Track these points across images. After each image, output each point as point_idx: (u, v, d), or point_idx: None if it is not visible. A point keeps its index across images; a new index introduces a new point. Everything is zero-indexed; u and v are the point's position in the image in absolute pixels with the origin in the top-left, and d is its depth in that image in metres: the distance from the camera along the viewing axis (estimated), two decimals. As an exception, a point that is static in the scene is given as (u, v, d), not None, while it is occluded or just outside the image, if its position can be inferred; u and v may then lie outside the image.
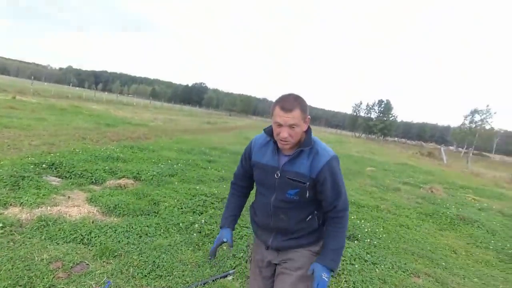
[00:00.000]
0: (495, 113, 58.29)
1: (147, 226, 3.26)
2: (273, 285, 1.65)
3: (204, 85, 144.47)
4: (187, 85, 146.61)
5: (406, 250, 3.94)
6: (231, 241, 1.62)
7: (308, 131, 1.45)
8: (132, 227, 3.17)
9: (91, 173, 4.79)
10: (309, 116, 1.41)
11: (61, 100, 21.51)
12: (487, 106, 59.08)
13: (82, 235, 2.87)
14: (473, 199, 8.27)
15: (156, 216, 3.65)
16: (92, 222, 3.15)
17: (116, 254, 2.68)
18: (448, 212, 5.87)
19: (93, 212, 3.42)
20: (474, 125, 59.75)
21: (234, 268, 2.79)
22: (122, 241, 2.90)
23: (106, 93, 64.14)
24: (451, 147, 60.72)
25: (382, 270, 3.24)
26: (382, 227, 4.63)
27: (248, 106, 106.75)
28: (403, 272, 3.29)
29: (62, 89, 47.39)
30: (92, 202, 3.74)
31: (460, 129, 62.66)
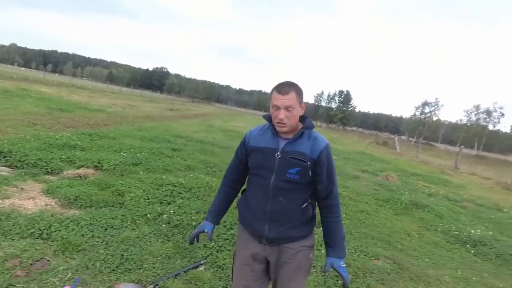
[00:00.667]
0: (442, 105, 63.38)
1: (113, 218, 3.12)
2: (264, 280, 1.63)
3: (165, 70, 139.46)
4: (147, 69, 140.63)
5: (367, 235, 4.19)
6: (210, 234, 1.67)
7: (307, 118, 1.54)
8: (96, 220, 3.02)
9: (46, 162, 4.46)
10: (305, 102, 1.51)
11: (5, 81, 19.52)
12: (436, 99, 63.95)
13: (40, 230, 2.67)
14: (423, 185, 8.98)
15: (121, 207, 3.50)
16: (51, 215, 2.95)
17: (80, 248, 2.54)
18: (402, 198, 6.31)
19: (51, 205, 3.20)
20: (424, 116, 64.49)
21: (205, 258, 2.79)
22: (86, 234, 2.75)
23: (57, 75, 59.46)
24: (403, 137, 65.02)
25: (346, 254, 3.42)
26: (344, 214, 4.87)
27: (212, 93, 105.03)
28: (365, 255, 3.51)
29: (6, 69, 43.01)
30: (50, 193, 3.49)
31: (412, 120, 67.30)
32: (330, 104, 78.63)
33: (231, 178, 1.72)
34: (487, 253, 4.25)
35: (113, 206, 3.50)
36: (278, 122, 1.46)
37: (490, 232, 5.07)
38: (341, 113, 73.17)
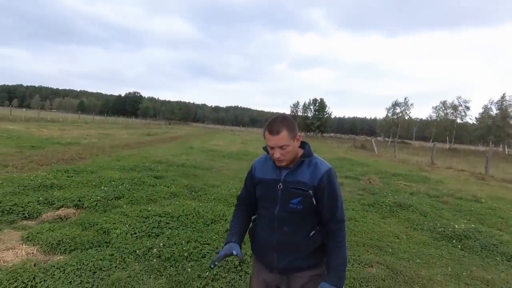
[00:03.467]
0: (411, 104, 66.14)
1: (100, 260, 3.00)
2: None
3: (138, 95, 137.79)
4: (119, 96, 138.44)
5: (358, 242, 4.25)
6: (241, 255, 1.56)
7: (306, 145, 1.57)
8: (83, 264, 2.89)
9: (22, 207, 4.25)
10: (299, 134, 1.51)
11: (-32, 122, 18.62)
12: (405, 99, 66.68)
13: (24, 283, 2.53)
14: (404, 185, 9.23)
15: (108, 246, 3.38)
16: (35, 265, 2.80)
17: (69, 297, 2.42)
18: (386, 201, 6.46)
19: (33, 253, 3.04)
20: (396, 117, 66.92)
21: (201, 290, 2.72)
22: (74, 281, 2.63)
23: (24, 109, 57.24)
24: (379, 138, 67.05)
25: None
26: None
27: (188, 113, 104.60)
28: (359, 264, 3.54)
29: (-33, 108, 41.03)
30: (30, 241, 3.32)
31: (385, 121, 69.67)
32: (306, 113, 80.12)
33: (243, 206, 1.73)
34: (473, 246, 4.41)
35: (99, 246, 3.37)
36: (276, 160, 1.49)
37: (473, 225, 5.27)
38: (317, 121, 74.68)
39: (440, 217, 5.78)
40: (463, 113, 59.78)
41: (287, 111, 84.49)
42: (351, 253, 3.81)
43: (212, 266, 1.51)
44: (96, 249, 3.27)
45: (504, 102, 52.76)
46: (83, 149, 11.32)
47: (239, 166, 10.54)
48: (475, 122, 59.40)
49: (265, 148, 1.59)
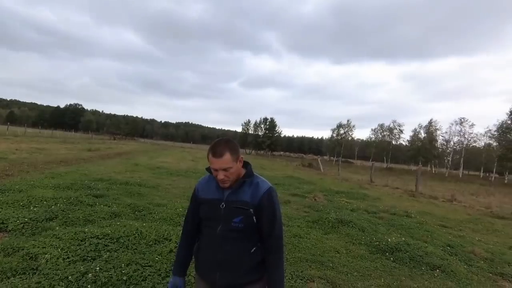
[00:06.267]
0: (353, 126, 71.28)
1: (25, 289, 2.71)
2: None
3: (80, 107, 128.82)
4: (57, 107, 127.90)
5: (301, 258, 4.39)
6: None
7: (248, 166, 1.64)
8: (2, 294, 2.58)
9: None
10: (242, 156, 1.59)
11: None
12: (348, 121, 71.77)
13: None
14: (346, 202, 9.82)
15: (35, 273, 3.05)
16: None
17: (-18, 334, 2.14)
18: (329, 217, 6.79)
19: None
20: (340, 137, 71.47)
21: (140, 315, 2.59)
22: (-10, 315, 2.34)
23: None
24: (325, 157, 70.69)
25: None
26: (279, 241, 5.02)
27: (135, 128, 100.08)
28: (301, 280, 3.66)
29: None
30: None
31: (330, 141, 73.97)
32: (257, 131, 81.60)
33: (189, 228, 1.76)
34: (403, 257, 4.81)
35: (24, 273, 3.03)
36: (219, 181, 1.55)
37: (403, 238, 5.77)
38: (268, 140, 76.45)
39: (376, 232, 6.23)
40: (397, 136, 65.89)
41: (239, 129, 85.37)
42: (294, 269, 3.93)
43: None
44: (20, 277, 2.94)
45: (431, 127, 59.40)
46: (10, 165, 10.18)
47: (187, 184, 10.31)
48: (407, 144, 65.74)
49: (208, 169, 1.66)
